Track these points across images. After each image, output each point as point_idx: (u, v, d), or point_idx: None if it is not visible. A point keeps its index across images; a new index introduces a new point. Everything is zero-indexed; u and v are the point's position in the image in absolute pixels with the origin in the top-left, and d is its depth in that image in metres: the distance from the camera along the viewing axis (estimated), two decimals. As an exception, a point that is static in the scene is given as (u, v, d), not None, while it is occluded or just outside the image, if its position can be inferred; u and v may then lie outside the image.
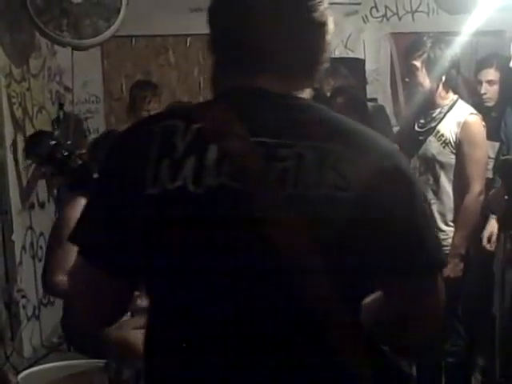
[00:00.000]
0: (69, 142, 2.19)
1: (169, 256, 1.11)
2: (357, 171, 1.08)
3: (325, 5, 1.17)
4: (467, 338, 3.19)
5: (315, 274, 1.08)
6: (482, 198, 2.95)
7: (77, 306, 1.24)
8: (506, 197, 2.47)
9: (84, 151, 2.26)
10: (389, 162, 1.11)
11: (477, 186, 2.93)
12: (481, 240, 3.29)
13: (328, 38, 1.19)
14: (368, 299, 1.21)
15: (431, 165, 2.99)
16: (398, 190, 1.10)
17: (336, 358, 1.12)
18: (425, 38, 2.96)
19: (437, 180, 2.99)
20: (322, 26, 1.17)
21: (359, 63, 4.90)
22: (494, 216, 3.24)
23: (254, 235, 1.07)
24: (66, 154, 2.15)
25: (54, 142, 2.18)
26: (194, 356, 1.13)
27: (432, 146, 3.00)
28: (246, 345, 1.11)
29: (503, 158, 2.54)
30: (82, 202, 2.82)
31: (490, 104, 3.55)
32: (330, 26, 1.19)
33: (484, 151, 3.01)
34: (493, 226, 3.24)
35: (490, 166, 3.26)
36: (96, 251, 1.15)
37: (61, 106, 4.68)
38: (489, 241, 3.30)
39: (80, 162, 2.15)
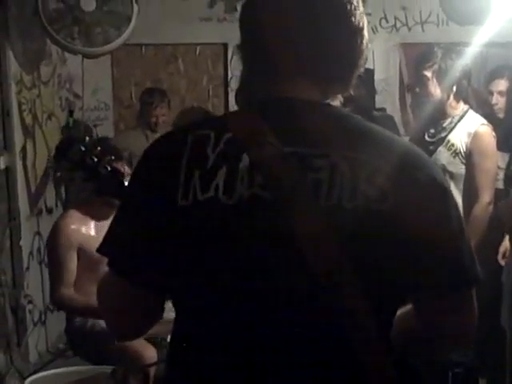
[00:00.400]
0: (99, 149, 2.20)
1: (199, 268, 1.09)
2: (392, 183, 1.06)
3: (361, 10, 1.15)
4: (475, 348, 3.17)
5: (350, 290, 1.06)
6: (490, 208, 2.95)
7: (109, 319, 1.23)
8: None
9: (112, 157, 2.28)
10: (424, 172, 1.09)
11: (486, 196, 2.92)
12: (489, 250, 3.27)
13: (364, 44, 1.16)
14: (398, 315, 1.19)
15: None
16: (434, 201, 1.09)
17: (364, 374, 1.10)
18: (435, 49, 2.96)
19: None
20: (358, 31, 1.15)
21: (368, 73, 4.90)
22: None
23: (285, 248, 1.05)
24: (96, 159, 2.16)
25: (84, 148, 2.19)
26: (218, 367, 1.11)
27: (442, 156, 2.99)
28: (273, 366, 1.09)
29: None
30: (74, 214, 2.84)
31: (501, 115, 3.55)
32: (366, 32, 1.17)
33: (494, 162, 3.01)
34: (508, 241, 3.23)
35: (500, 176, 3.25)
36: (124, 263, 1.13)
37: (71, 113, 4.70)
38: (504, 256, 3.28)
39: (109, 168, 2.17)
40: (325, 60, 1.13)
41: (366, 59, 1.19)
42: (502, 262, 3.27)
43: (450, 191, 1.14)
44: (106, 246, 1.15)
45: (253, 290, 1.07)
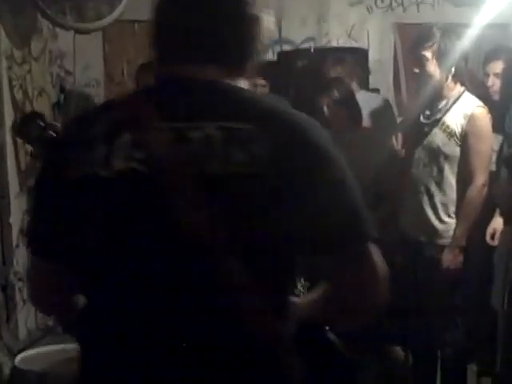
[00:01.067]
0: (58, 125, 2.24)
1: (85, 240, 1.18)
2: (265, 148, 1.12)
3: None
4: (464, 328, 3.19)
5: (234, 256, 1.11)
6: (485, 190, 2.95)
7: (30, 295, 1.39)
8: None
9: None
10: (303, 136, 1.15)
11: (480, 178, 2.92)
12: (482, 233, 3.28)
13: (260, 33, 1.24)
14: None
15: (436, 156, 2.98)
16: (310, 163, 1.14)
17: (248, 331, 1.13)
18: (435, 29, 2.94)
19: (441, 172, 2.98)
20: (252, 19, 1.22)
21: (362, 53, 4.87)
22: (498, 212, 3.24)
23: (164, 219, 1.13)
24: (54, 134, 2.18)
25: (43, 124, 2.22)
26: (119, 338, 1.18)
27: (437, 137, 2.98)
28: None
29: (510, 152, 2.53)
30: None
31: (497, 97, 3.53)
32: (265, 22, 1.24)
33: (489, 144, 3.00)
34: (497, 223, 3.24)
35: (493, 158, 3.25)
36: (32, 239, 1.28)
37: (62, 89, 4.65)
38: (492, 237, 3.29)
39: None
40: (215, 43, 1.21)
41: (265, 46, 1.29)
42: (491, 243, 3.28)
43: (334, 155, 1.18)
44: (26, 229, 1.32)
45: (136, 260, 1.15)
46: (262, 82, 4.42)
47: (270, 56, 5.21)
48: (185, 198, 1.11)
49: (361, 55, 4.79)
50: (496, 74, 3.53)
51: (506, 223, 2.84)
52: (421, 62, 2.93)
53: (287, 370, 1.15)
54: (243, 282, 1.11)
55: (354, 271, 1.16)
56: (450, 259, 2.93)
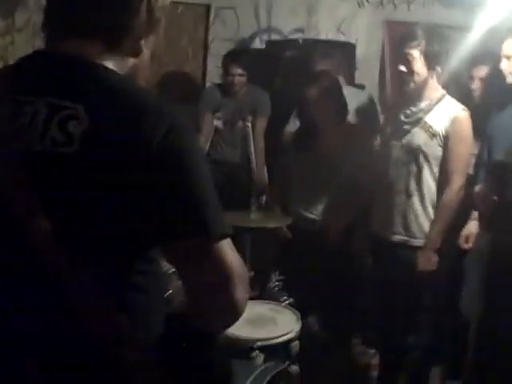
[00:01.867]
0: None
1: None
2: (82, 128, 1.10)
3: None
4: (432, 331, 3.21)
5: (62, 242, 1.09)
6: (461, 193, 2.96)
7: None
8: (495, 197, 2.46)
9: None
10: (132, 122, 1.10)
11: (458, 181, 2.93)
12: (456, 236, 3.28)
13: (147, 5, 1.21)
14: None
15: (415, 156, 2.98)
16: (145, 151, 1.09)
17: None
18: (421, 30, 2.92)
19: (420, 171, 2.97)
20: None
21: (350, 47, 4.85)
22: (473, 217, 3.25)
23: None
24: None
25: None
26: None
27: (418, 136, 2.97)
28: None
29: (496, 159, 2.54)
30: None
31: (478, 101, 3.53)
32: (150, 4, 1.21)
33: (470, 147, 3.01)
34: (472, 226, 3.25)
35: (471, 162, 3.25)
36: None
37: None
38: (466, 241, 3.30)
39: None
40: (89, 18, 1.18)
41: (157, 20, 1.24)
42: (464, 246, 3.29)
43: (182, 145, 1.13)
44: None
45: None
46: (239, 71, 4.39)
47: (258, 44, 5.19)
48: (15, 177, 1.10)
49: (348, 50, 4.77)
50: (481, 79, 3.53)
51: (481, 228, 2.84)
52: (407, 60, 2.92)
53: (133, 368, 1.11)
54: (73, 274, 1.09)
55: (199, 269, 1.12)
56: (425, 261, 2.94)
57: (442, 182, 2.95)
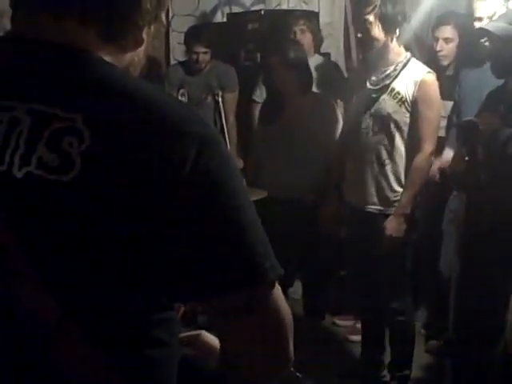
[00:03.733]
0: None
1: None
2: (89, 148, 0.81)
3: None
4: (413, 294, 3.23)
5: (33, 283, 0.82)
6: (432, 158, 2.95)
7: None
8: (466, 158, 2.46)
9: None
10: (158, 145, 0.82)
11: (429, 147, 2.91)
12: (432, 201, 3.28)
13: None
14: None
15: (386, 124, 2.95)
16: (175, 185, 0.82)
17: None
18: None
19: (391, 140, 2.95)
20: None
21: (313, 16, 4.80)
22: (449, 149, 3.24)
23: None
24: None
25: None
26: None
27: (387, 104, 2.94)
28: None
29: (465, 119, 2.53)
30: None
31: (445, 62, 3.53)
32: None
33: (438, 111, 3.00)
34: (447, 156, 3.22)
35: (442, 124, 3.25)
36: None
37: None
38: (441, 170, 3.29)
39: None
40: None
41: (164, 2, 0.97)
42: (437, 175, 3.28)
43: (225, 176, 0.86)
44: None
45: None
46: (202, 49, 4.32)
47: (219, 18, 5.11)
48: None
49: (312, 19, 4.72)
50: (445, 39, 3.52)
51: (459, 189, 2.81)
52: (364, 26, 2.88)
53: None
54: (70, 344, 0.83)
55: (250, 325, 0.89)
56: (394, 227, 2.92)
57: (412, 147, 2.93)
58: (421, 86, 2.88)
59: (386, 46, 2.91)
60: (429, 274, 3.51)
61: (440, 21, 3.59)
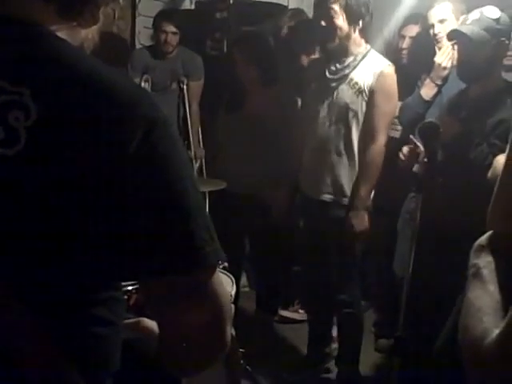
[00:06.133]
0: None
1: None
2: (36, 122, 0.82)
3: None
4: (364, 290, 3.26)
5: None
6: (384, 149, 2.92)
7: None
8: (425, 159, 2.47)
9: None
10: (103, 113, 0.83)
11: (382, 138, 2.91)
12: (388, 199, 3.28)
13: None
14: None
15: (343, 114, 2.94)
16: (114, 156, 0.83)
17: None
18: None
19: (348, 130, 2.94)
20: None
21: (281, 9, 4.79)
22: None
23: None
24: None
25: None
26: None
27: (345, 94, 2.94)
28: None
29: (426, 121, 2.54)
30: None
31: (405, 61, 3.56)
32: None
33: (395, 104, 2.99)
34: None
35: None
36: None
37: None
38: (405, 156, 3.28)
39: None
40: None
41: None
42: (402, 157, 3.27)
43: (166, 152, 0.87)
44: None
45: None
46: (172, 29, 4.27)
47: (188, 5, 5.06)
48: None
49: (279, 11, 4.71)
50: (412, 37, 3.56)
51: (417, 191, 2.80)
52: (328, 14, 2.87)
53: None
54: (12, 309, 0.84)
55: (188, 308, 0.90)
56: (358, 221, 2.93)
57: (365, 138, 2.91)
58: (380, 77, 2.88)
59: (348, 37, 2.91)
60: (381, 273, 3.55)
61: (408, 20, 3.63)
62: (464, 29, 2.60)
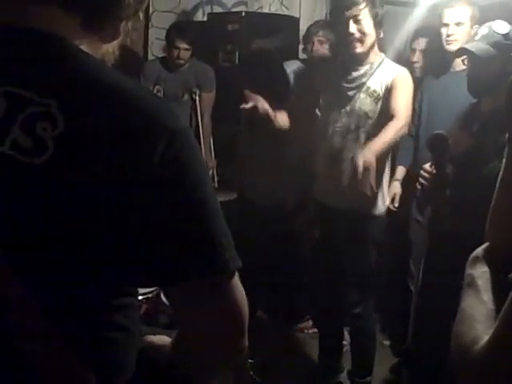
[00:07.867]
0: None
1: None
2: (63, 133, 0.84)
3: None
4: (377, 303, 3.25)
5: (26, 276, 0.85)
6: (404, 130, 2.84)
7: None
8: (434, 171, 2.47)
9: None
10: (130, 128, 0.86)
11: (403, 118, 2.80)
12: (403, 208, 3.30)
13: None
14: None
15: (363, 122, 2.92)
16: (139, 169, 0.85)
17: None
18: None
19: (368, 138, 2.87)
20: None
21: (293, 21, 4.82)
22: (396, 179, 3.38)
23: None
24: None
25: None
26: None
27: (364, 102, 2.92)
28: None
29: (435, 133, 2.54)
30: None
31: (419, 74, 3.57)
32: None
33: (411, 98, 2.92)
34: (396, 187, 3.37)
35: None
36: None
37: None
38: (392, 201, 3.35)
39: None
40: None
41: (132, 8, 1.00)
42: (391, 207, 3.30)
43: (190, 162, 0.90)
44: None
45: None
46: (185, 46, 4.30)
47: (200, 17, 5.10)
48: None
49: (292, 24, 4.74)
50: (422, 51, 3.57)
51: (427, 202, 2.79)
52: (358, 22, 2.81)
53: None
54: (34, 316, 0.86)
55: (207, 312, 0.93)
56: (365, 155, 2.64)
57: (384, 122, 2.80)
58: (395, 78, 2.87)
59: (373, 44, 2.89)
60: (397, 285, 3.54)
61: (419, 33, 3.64)
62: (470, 46, 2.61)
